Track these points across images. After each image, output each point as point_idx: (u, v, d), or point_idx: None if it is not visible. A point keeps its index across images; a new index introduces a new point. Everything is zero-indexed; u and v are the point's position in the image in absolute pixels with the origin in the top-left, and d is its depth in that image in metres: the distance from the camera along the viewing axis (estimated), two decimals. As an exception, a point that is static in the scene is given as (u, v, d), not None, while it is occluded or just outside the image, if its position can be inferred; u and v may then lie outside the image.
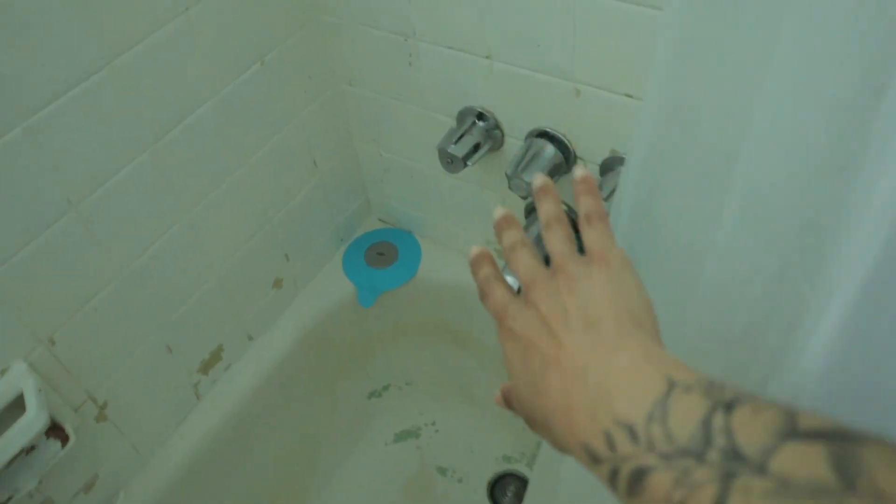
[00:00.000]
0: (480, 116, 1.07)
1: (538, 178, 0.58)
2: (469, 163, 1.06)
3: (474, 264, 0.57)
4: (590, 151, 1.01)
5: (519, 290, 0.52)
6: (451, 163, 1.06)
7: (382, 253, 1.40)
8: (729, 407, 0.36)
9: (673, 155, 0.59)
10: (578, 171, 0.55)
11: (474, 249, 0.58)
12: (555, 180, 1.03)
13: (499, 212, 0.58)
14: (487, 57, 1.00)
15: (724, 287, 0.58)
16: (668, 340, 0.47)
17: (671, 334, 0.49)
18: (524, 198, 1.02)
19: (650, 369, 0.40)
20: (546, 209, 0.55)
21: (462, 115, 1.10)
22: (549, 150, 1.01)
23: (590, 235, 0.52)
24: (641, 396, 0.39)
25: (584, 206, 0.54)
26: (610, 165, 1.00)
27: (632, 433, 0.38)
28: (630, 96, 0.91)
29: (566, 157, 1.03)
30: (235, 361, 1.28)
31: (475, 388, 1.58)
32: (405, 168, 1.30)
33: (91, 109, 0.85)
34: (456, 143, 1.05)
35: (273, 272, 1.29)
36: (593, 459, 0.40)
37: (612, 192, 0.96)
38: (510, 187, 1.02)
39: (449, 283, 1.37)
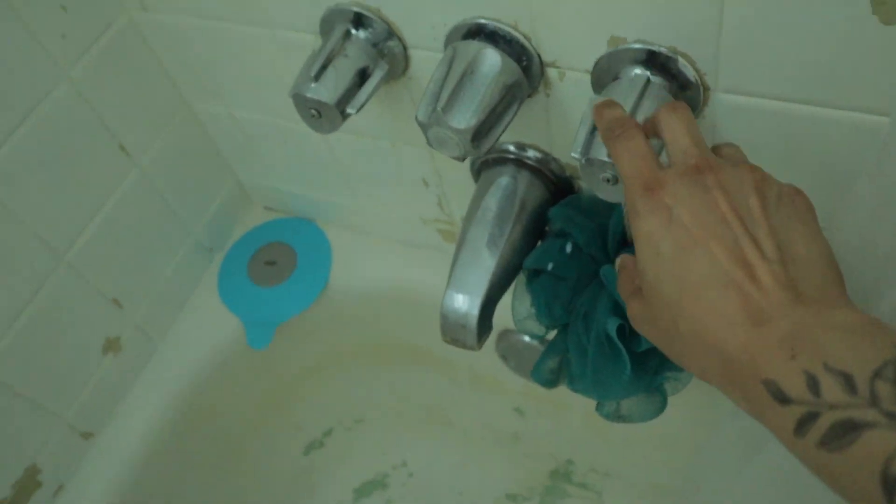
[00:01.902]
0: (359, 21, 0.58)
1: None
2: (351, 110, 0.58)
3: (598, 108, 0.48)
4: (569, 50, 0.53)
5: None
6: (320, 115, 0.58)
7: (273, 261, 0.92)
8: None
9: None
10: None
11: (605, 101, 0.48)
12: (513, 113, 0.55)
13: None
14: None
15: None
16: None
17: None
18: (462, 159, 0.54)
19: (879, 332, 0.35)
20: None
21: (328, 24, 0.61)
22: (492, 58, 0.53)
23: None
24: (866, 354, 0.34)
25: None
26: (610, 68, 0.52)
27: (849, 383, 0.33)
28: (640, -84, 0.42)
29: (526, 69, 0.54)
30: (68, 479, 0.81)
31: (450, 411, 1.13)
32: (273, 129, 0.81)
33: None
34: (318, 77, 0.56)
35: (99, 332, 0.81)
36: (779, 398, 0.35)
37: (632, 115, 0.48)
38: (429, 142, 0.54)
39: (378, 287, 0.91)
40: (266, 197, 0.96)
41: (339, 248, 0.92)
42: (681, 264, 0.40)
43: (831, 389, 0.34)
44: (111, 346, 0.82)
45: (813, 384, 0.35)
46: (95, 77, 0.72)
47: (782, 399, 0.35)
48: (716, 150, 0.47)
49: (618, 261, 0.49)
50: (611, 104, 0.48)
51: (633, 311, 0.46)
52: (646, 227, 0.42)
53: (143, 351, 0.87)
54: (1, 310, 0.70)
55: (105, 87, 0.74)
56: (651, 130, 0.46)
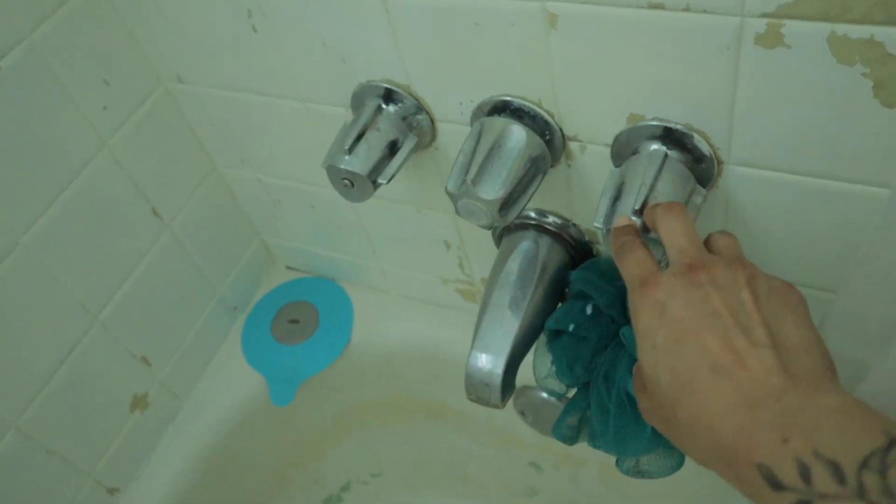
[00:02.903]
0: (389, 97, 0.62)
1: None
2: (382, 180, 0.61)
3: (616, 233, 0.51)
4: (590, 126, 0.56)
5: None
6: (352, 186, 0.61)
7: (296, 320, 0.95)
8: None
9: None
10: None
11: (621, 219, 0.52)
12: (537, 184, 0.58)
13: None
14: (376, -14, 0.54)
15: None
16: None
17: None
18: (488, 228, 0.57)
19: (867, 418, 0.36)
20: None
21: (359, 100, 0.64)
22: (518, 134, 0.56)
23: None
24: (855, 441, 0.35)
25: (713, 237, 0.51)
26: (631, 143, 0.55)
27: (838, 472, 0.34)
28: (660, 6, 0.46)
29: (549, 143, 0.57)
30: (95, 535, 0.83)
31: (467, 465, 1.14)
32: (300, 195, 0.84)
33: None
34: (352, 150, 0.59)
35: (127, 389, 0.83)
36: (773, 484, 0.36)
37: (650, 190, 0.51)
38: (458, 211, 0.57)
39: (398, 346, 0.93)
40: (289, 257, 0.99)
41: (360, 307, 0.94)
42: (674, 355, 0.42)
43: (822, 479, 0.35)
44: (138, 403, 0.85)
45: (804, 472, 0.36)
46: (132, 145, 0.76)
47: (776, 485, 0.36)
48: (711, 240, 0.50)
49: (634, 367, 0.52)
50: (624, 230, 0.52)
51: (641, 404, 0.48)
52: (641, 321, 0.44)
53: (168, 407, 0.89)
54: (37, 368, 0.72)
55: (141, 154, 0.77)
56: (651, 227, 0.50)
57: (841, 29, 0.42)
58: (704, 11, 0.45)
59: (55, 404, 0.74)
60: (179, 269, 0.86)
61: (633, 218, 0.52)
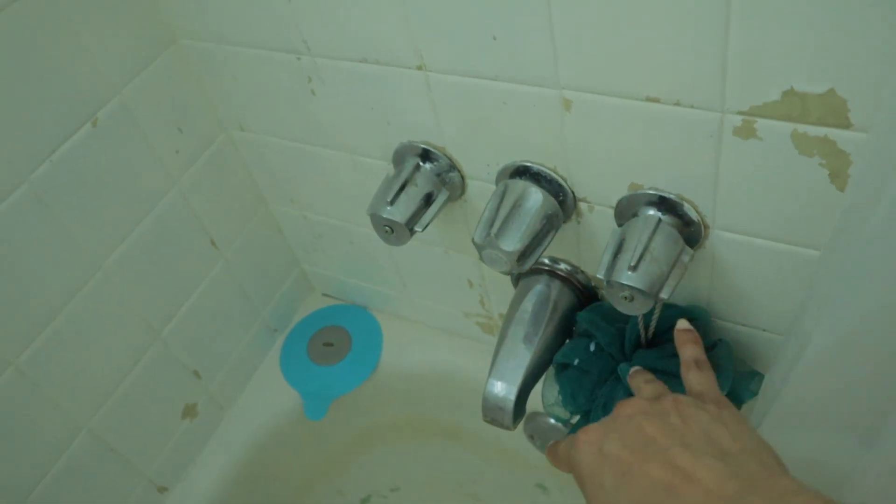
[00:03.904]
0: (426, 156, 0.72)
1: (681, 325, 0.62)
2: (418, 228, 0.71)
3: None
4: (597, 189, 0.66)
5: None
6: (392, 232, 0.71)
7: (330, 343, 1.05)
8: None
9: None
10: (681, 323, 0.63)
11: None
12: (551, 238, 0.68)
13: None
14: (420, 67, 0.64)
15: None
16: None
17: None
18: (508, 273, 0.66)
19: (823, 499, 0.37)
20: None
21: (400, 156, 0.74)
22: (535, 195, 0.66)
23: (699, 378, 0.54)
24: None
25: (691, 352, 0.58)
26: (631, 207, 0.64)
27: None
28: (655, 100, 0.56)
29: (562, 203, 0.67)
30: (145, 528, 0.93)
31: (478, 484, 1.23)
32: (341, 232, 0.95)
33: None
34: (393, 202, 0.70)
35: (181, 398, 0.93)
36: None
37: (645, 249, 0.61)
38: (482, 259, 0.67)
39: (422, 370, 1.02)
40: (326, 285, 1.09)
41: (389, 334, 1.04)
42: (623, 490, 0.42)
43: None
44: (189, 411, 0.95)
45: None
46: (197, 184, 0.86)
47: None
48: (685, 379, 0.57)
49: None
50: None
51: None
52: (583, 468, 0.45)
53: (214, 417, 0.99)
54: (108, 378, 0.82)
55: (204, 191, 0.88)
56: None
57: (801, 128, 0.52)
58: (692, 106, 0.55)
59: (120, 410, 0.84)
60: (230, 294, 0.97)
61: None
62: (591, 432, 0.47)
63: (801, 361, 0.48)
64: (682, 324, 0.63)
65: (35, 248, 0.70)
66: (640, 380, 0.57)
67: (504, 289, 0.85)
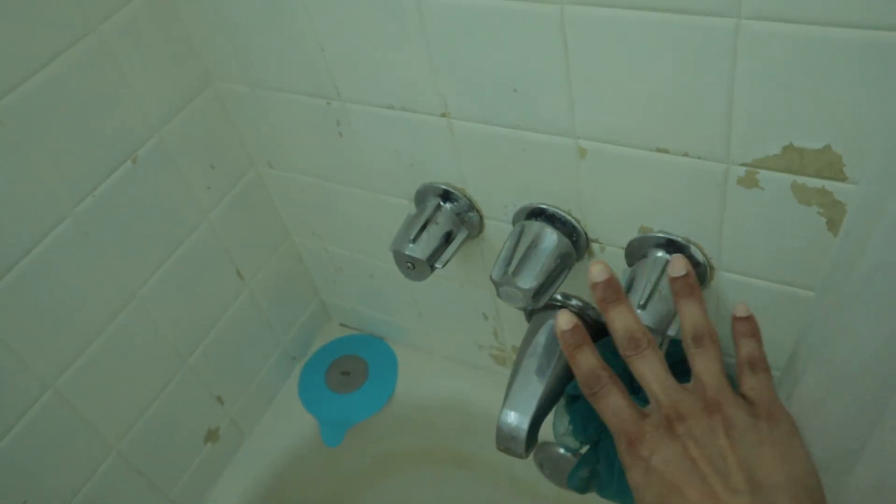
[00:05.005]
0: (447, 196, 0.76)
1: (678, 262, 0.59)
2: (437, 265, 0.75)
3: (568, 343, 0.55)
4: (609, 231, 0.70)
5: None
6: (414, 268, 0.75)
7: (347, 371, 1.08)
8: None
9: None
10: (740, 309, 0.58)
11: (563, 318, 0.56)
12: (564, 276, 0.72)
13: (596, 271, 0.56)
14: (444, 115, 0.69)
15: None
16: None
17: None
18: (522, 309, 0.70)
19: None
20: (693, 316, 0.55)
21: (422, 196, 0.79)
22: (550, 236, 0.70)
23: (752, 383, 0.52)
24: None
25: (747, 349, 0.55)
26: (640, 249, 0.68)
27: None
28: (662, 150, 0.60)
29: (576, 243, 0.71)
30: (166, 549, 0.96)
31: (490, 513, 1.26)
32: (361, 266, 0.99)
33: None
34: (415, 239, 0.74)
35: (203, 423, 0.97)
36: None
37: (654, 288, 0.64)
38: (499, 295, 0.71)
39: (436, 400, 1.06)
40: (344, 316, 1.13)
41: (404, 364, 1.08)
42: None
43: None
44: (211, 435, 0.98)
45: None
46: (226, 217, 0.91)
47: None
48: (740, 382, 0.54)
49: None
50: (580, 348, 0.56)
51: None
52: (632, 479, 0.48)
53: (234, 441, 1.03)
54: (137, 401, 0.86)
55: (232, 225, 0.92)
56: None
57: (800, 179, 0.56)
58: (699, 157, 0.59)
59: (148, 433, 0.87)
60: (253, 322, 1.01)
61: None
62: (644, 445, 0.48)
63: (792, 399, 0.51)
64: (741, 310, 0.57)
65: (77, 277, 0.75)
66: (707, 363, 0.52)
67: (517, 322, 0.88)
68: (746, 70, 0.51)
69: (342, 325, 1.15)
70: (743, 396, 0.53)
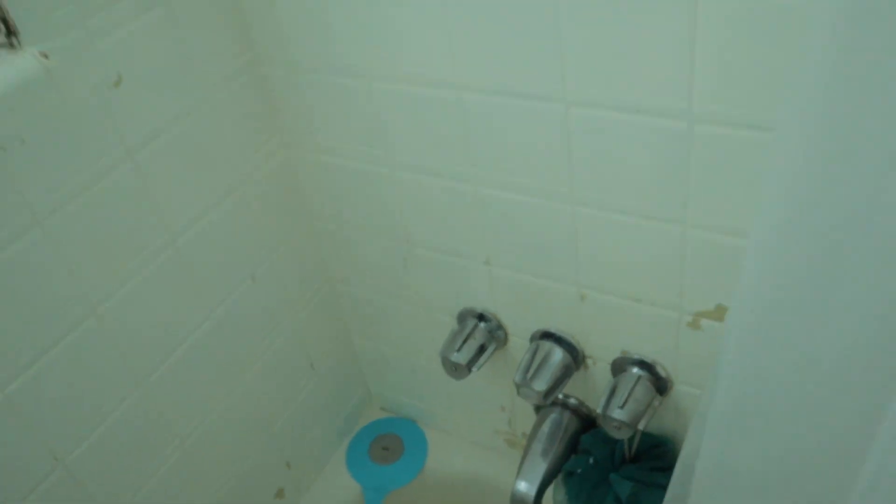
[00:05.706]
0: (482, 318, 1.04)
1: None
2: (474, 369, 1.02)
3: None
4: (599, 351, 0.98)
5: None
6: (456, 370, 1.02)
7: (387, 447, 1.34)
8: None
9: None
10: None
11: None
12: (566, 381, 0.99)
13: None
14: (486, 263, 0.97)
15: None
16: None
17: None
18: (534, 405, 0.97)
19: None
20: None
21: (463, 316, 1.06)
22: (557, 352, 0.97)
23: None
24: None
25: None
26: (621, 366, 0.96)
27: None
28: (638, 300, 0.88)
29: (574, 358, 0.99)
30: (239, 585, 1.20)
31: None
32: (406, 364, 1.26)
33: (72, 364, 0.82)
34: (459, 349, 1.01)
35: (274, 483, 1.22)
36: None
37: (629, 394, 0.91)
38: (519, 394, 0.97)
39: (459, 475, 1.31)
40: (384, 402, 1.39)
41: (433, 443, 1.33)
42: None
43: None
44: (279, 494, 1.23)
45: None
46: (306, 322, 1.18)
47: None
48: None
49: None
50: None
51: None
52: None
53: (294, 500, 1.28)
54: (229, 467, 1.11)
55: (311, 329, 1.19)
56: None
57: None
58: (662, 307, 0.87)
59: (231, 492, 1.13)
60: (317, 408, 1.27)
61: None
62: None
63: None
64: None
65: (197, 379, 1.01)
66: None
67: (527, 414, 1.15)
68: (694, 257, 0.80)
69: (382, 408, 1.41)
70: None
